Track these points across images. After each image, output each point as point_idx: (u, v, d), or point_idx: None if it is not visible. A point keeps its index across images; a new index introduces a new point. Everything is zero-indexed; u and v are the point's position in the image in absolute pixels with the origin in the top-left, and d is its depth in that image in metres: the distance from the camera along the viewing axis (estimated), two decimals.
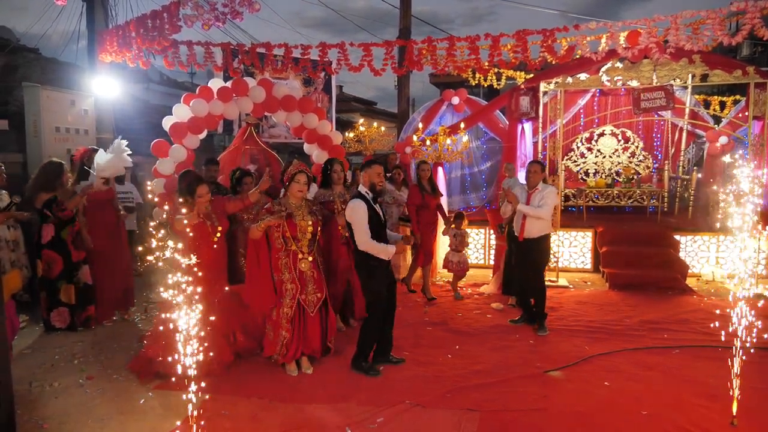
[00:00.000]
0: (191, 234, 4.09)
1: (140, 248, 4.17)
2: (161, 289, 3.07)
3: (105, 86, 7.97)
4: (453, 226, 6.58)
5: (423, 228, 6.63)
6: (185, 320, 3.04)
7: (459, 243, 6.57)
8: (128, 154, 5.70)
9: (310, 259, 4.45)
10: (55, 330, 5.40)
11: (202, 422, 3.20)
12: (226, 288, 4.69)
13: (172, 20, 6.11)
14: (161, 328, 3.81)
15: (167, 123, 6.12)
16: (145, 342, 4.71)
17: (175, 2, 6.09)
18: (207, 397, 3.18)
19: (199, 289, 3.13)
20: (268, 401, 3.93)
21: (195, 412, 3.15)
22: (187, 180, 4.56)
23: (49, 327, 5.42)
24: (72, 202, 5.35)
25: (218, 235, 4.50)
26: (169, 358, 3.09)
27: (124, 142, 5.70)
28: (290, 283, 4.38)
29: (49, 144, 7.45)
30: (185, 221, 4.08)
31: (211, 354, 3.19)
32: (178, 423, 3.39)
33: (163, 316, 3.34)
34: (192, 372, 3.07)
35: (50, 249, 5.33)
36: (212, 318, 3.68)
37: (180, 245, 3.13)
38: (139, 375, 4.33)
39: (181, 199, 4.28)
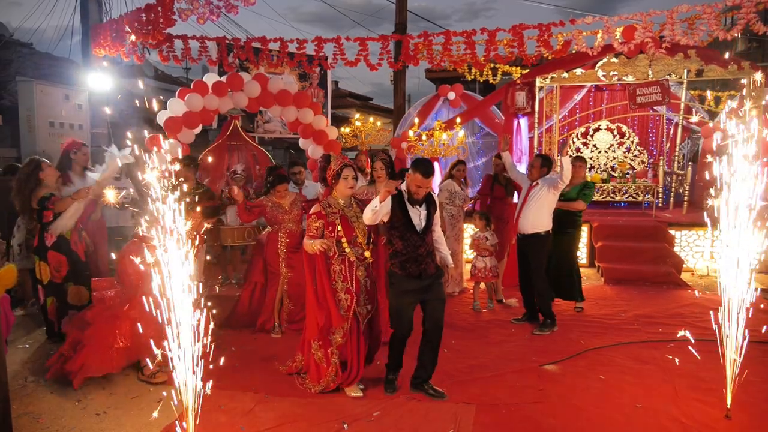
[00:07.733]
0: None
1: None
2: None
3: (99, 81, 7.92)
4: (476, 227, 6.09)
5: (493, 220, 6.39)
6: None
7: (482, 247, 6.07)
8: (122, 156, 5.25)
9: (365, 265, 4.06)
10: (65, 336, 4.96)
11: (199, 416, 3.19)
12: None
13: (167, 14, 6.05)
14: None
15: (162, 117, 6.08)
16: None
17: None
18: (204, 391, 3.19)
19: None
20: (264, 395, 3.94)
21: (191, 407, 3.14)
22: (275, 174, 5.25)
23: (61, 335, 4.93)
24: (62, 203, 5.01)
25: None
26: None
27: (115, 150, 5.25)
28: (344, 293, 3.95)
29: (43, 139, 7.41)
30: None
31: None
32: (175, 417, 3.39)
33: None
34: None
35: (55, 251, 4.99)
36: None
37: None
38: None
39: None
